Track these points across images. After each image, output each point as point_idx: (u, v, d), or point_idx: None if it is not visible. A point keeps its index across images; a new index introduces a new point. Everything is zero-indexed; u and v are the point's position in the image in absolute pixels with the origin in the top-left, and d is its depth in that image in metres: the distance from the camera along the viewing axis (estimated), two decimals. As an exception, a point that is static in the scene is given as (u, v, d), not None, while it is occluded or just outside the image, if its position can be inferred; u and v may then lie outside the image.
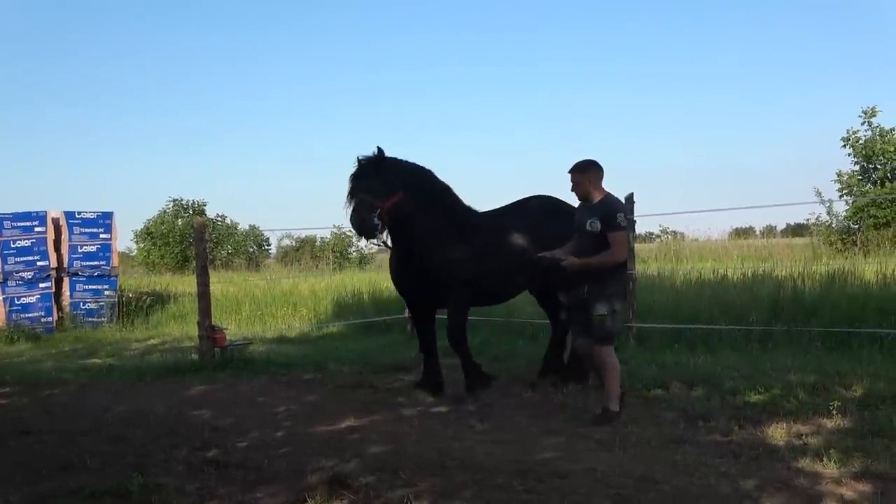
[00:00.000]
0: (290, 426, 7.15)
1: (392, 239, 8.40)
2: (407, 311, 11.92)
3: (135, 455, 6.20)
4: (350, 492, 5.00)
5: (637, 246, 11.98)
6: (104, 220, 18.35)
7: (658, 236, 33.38)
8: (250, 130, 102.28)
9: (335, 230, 39.43)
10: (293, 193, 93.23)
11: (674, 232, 34.84)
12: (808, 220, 29.81)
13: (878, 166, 28.17)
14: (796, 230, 38.13)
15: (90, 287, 17.97)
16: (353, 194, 7.95)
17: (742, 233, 29.96)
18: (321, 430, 6.97)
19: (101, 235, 18.24)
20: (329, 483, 5.15)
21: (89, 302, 17.91)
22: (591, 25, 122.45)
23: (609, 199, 7.17)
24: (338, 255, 37.24)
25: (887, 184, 28.77)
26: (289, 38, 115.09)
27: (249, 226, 49.86)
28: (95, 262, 18.09)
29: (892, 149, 28.36)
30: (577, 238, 7.26)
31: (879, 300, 10.64)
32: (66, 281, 17.83)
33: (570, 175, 7.27)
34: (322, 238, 44.96)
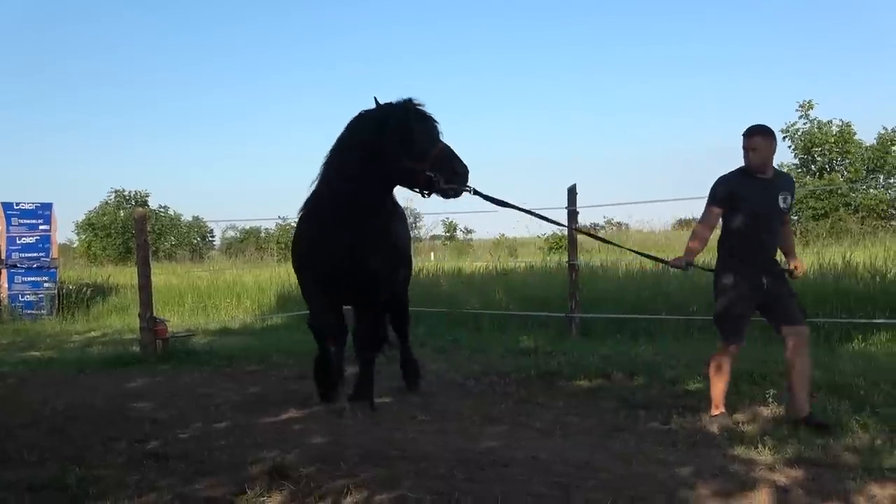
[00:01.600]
0: (232, 418, 7.11)
1: None
2: None
3: (74, 448, 6.11)
4: (290, 482, 4.98)
5: (580, 237, 12.09)
6: (43, 212, 18.08)
7: (602, 227, 33.70)
8: (194, 121, 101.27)
9: (280, 221, 39.26)
10: (238, 184, 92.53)
11: (618, 223, 35.21)
12: (750, 211, 30.26)
13: (817, 158, 28.75)
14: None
15: (29, 279, 17.71)
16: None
17: (685, 224, 30.39)
18: (263, 421, 6.94)
19: (41, 227, 17.98)
20: (270, 474, 5.13)
21: (28, 294, 17.65)
22: (530, 9, 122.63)
23: (786, 173, 7.02)
24: (283, 246, 37.03)
25: (825, 175, 29.33)
26: (234, 33, 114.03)
27: (193, 217, 49.51)
28: (34, 254, 17.82)
29: (830, 140, 28.94)
30: (755, 218, 6.32)
31: (815, 290, 10.85)
32: (3, 273, 17.57)
33: (747, 139, 6.31)
34: (267, 229, 44.74)
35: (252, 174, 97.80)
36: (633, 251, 8.22)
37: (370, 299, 7.21)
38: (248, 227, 46.60)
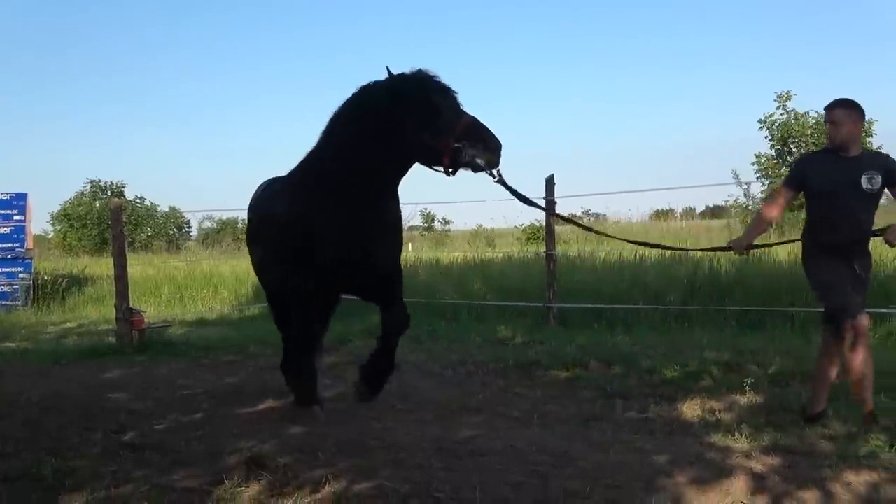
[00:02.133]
0: (209, 408, 7.09)
1: None
2: None
3: (50, 439, 6.08)
4: (268, 472, 4.97)
5: (558, 228, 12.10)
6: (18, 202, 17.93)
7: (580, 217, 33.79)
8: (171, 112, 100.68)
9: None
10: (215, 175, 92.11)
11: (595, 213, 35.29)
12: (726, 201, 30.54)
13: (794, 149, 28.90)
14: (715, 212, 38.91)
15: (3, 270, 17.57)
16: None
17: (662, 214, 30.47)
18: (241, 412, 6.93)
19: (15, 217, 17.83)
20: (247, 464, 5.11)
21: (3, 285, 17.51)
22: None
23: (877, 151, 6.64)
24: (261, 237, 36.83)
25: (798, 166, 29.43)
26: (211, 23, 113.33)
27: (170, 207, 49.19)
28: (9, 245, 17.67)
29: (807, 132, 29.08)
30: (832, 199, 5.87)
31: (791, 280, 10.90)
32: (-22, 264, 17.40)
33: (828, 112, 5.91)
34: (244, 220, 44.59)
35: (230, 164, 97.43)
36: (665, 247, 8.55)
37: (392, 288, 6.49)
38: (225, 217, 46.39)
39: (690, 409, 6.52)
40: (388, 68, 6.01)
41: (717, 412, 6.39)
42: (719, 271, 11.98)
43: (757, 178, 29.26)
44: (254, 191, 7.60)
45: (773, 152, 30.33)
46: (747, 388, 6.90)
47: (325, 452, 5.45)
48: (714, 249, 7.54)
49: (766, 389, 6.95)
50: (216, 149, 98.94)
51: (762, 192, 28.79)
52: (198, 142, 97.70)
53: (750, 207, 28.83)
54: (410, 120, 5.78)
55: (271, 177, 7.44)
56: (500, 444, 5.55)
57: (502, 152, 5.72)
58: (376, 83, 6.08)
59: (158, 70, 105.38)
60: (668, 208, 30.63)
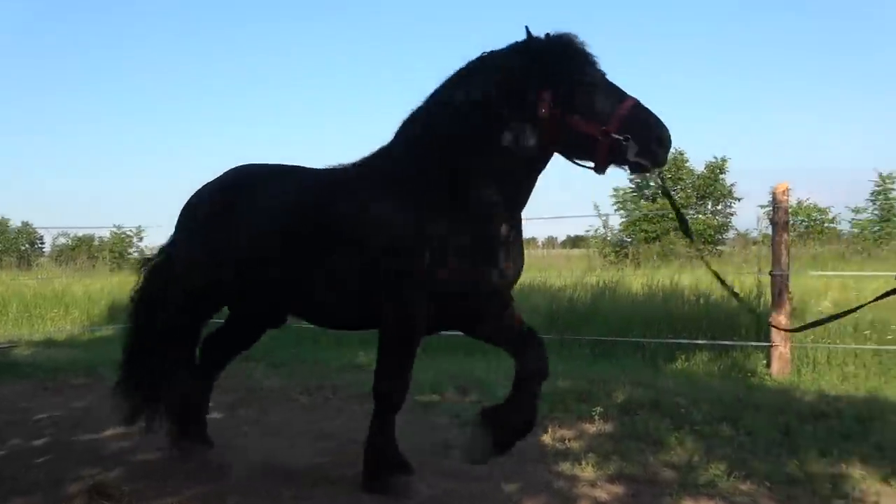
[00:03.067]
0: (53, 434, 6.86)
1: None
2: None
3: None
4: (111, 501, 4.85)
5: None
6: None
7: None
8: (25, 125, 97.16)
9: (115, 230, 38.12)
10: (71, 191, 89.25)
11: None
12: (587, 232, 31.43)
13: (651, 183, 29.91)
14: (576, 242, 39.91)
15: None
16: None
17: (525, 243, 31.03)
18: (87, 437, 6.73)
19: None
20: (89, 492, 4.98)
21: None
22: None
23: None
24: (116, 255, 35.85)
25: (658, 200, 30.51)
26: (69, 32, 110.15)
27: (22, 223, 47.40)
28: None
29: (664, 167, 30.13)
30: None
31: (644, 311, 11.27)
32: None
33: None
34: (101, 237, 43.31)
35: (85, 180, 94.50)
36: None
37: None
38: (81, 234, 44.94)
39: (541, 437, 6.64)
40: (527, 28, 4.80)
41: (567, 440, 6.53)
42: (576, 301, 12.25)
43: (616, 210, 30.28)
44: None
45: (633, 186, 31.33)
46: (596, 417, 7.07)
47: (173, 479, 5.35)
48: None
49: (614, 418, 7.14)
50: (74, 163, 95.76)
51: (620, 224, 29.80)
52: (55, 155, 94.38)
53: (608, 238, 29.82)
54: (561, 98, 4.65)
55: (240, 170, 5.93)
56: (351, 472, 5.54)
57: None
58: (513, 48, 4.87)
59: (11, 78, 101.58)
60: (530, 237, 31.29)
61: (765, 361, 9.60)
